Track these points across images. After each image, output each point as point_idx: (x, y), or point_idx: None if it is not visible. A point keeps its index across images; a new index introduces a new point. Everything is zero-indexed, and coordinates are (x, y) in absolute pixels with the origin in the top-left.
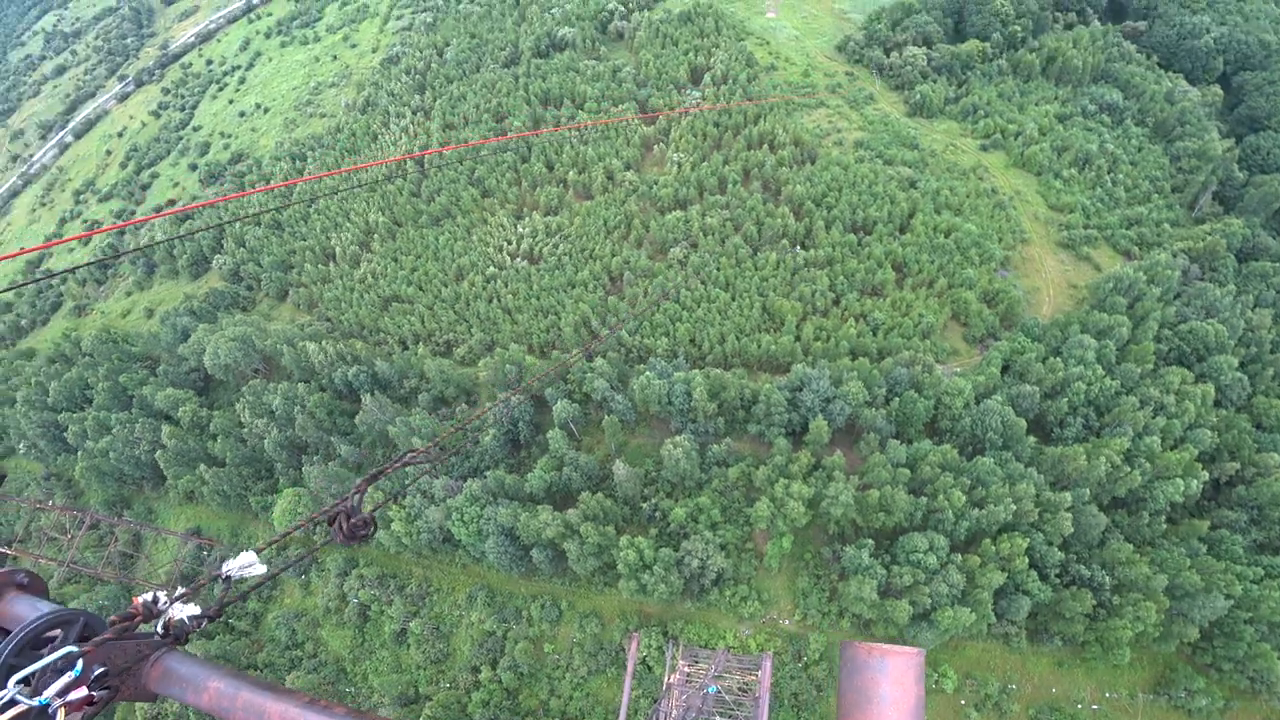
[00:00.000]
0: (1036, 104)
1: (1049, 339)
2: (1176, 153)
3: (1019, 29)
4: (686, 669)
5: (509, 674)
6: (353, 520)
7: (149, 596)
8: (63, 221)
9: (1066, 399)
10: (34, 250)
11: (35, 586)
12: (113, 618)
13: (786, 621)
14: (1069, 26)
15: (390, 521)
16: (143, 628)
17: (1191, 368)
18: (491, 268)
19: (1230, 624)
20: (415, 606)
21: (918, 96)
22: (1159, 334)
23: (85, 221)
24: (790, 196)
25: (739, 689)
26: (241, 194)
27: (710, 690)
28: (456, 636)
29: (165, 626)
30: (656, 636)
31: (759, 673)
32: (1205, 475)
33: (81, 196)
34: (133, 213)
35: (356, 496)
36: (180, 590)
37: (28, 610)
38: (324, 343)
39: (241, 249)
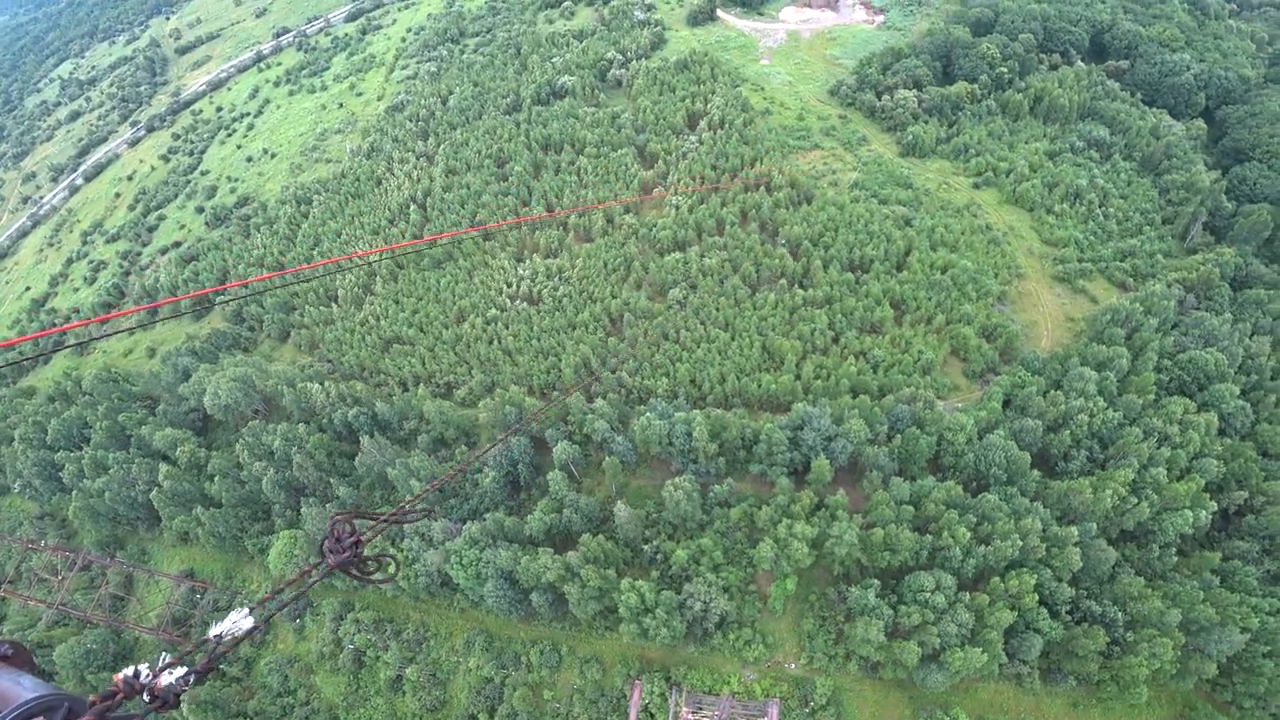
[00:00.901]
0: (1026, 142)
1: (1049, 372)
2: (1165, 185)
3: (1006, 70)
4: (690, 717)
5: None
6: (360, 563)
7: (130, 672)
8: (69, 262)
9: (1070, 432)
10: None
11: (18, 658)
12: (92, 699)
13: (792, 665)
14: (1054, 67)
15: (388, 565)
16: (126, 705)
17: (1193, 397)
18: (492, 309)
19: (1249, 658)
20: (412, 652)
21: (910, 137)
22: (1159, 364)
23: (91, 262)
24: (788, 237)
25: None
26: (274, 275)
27: None
28: (454, 683)
29: (152, 693)
30: (659, 683)
31: (765, 719)
32: (1214, 505)
33: (89, 237)
34: (139, 254)
35: (360, 536)
36: (165, 659)
37: (9, 686)
38: (325, 383)
39: (244, 290)
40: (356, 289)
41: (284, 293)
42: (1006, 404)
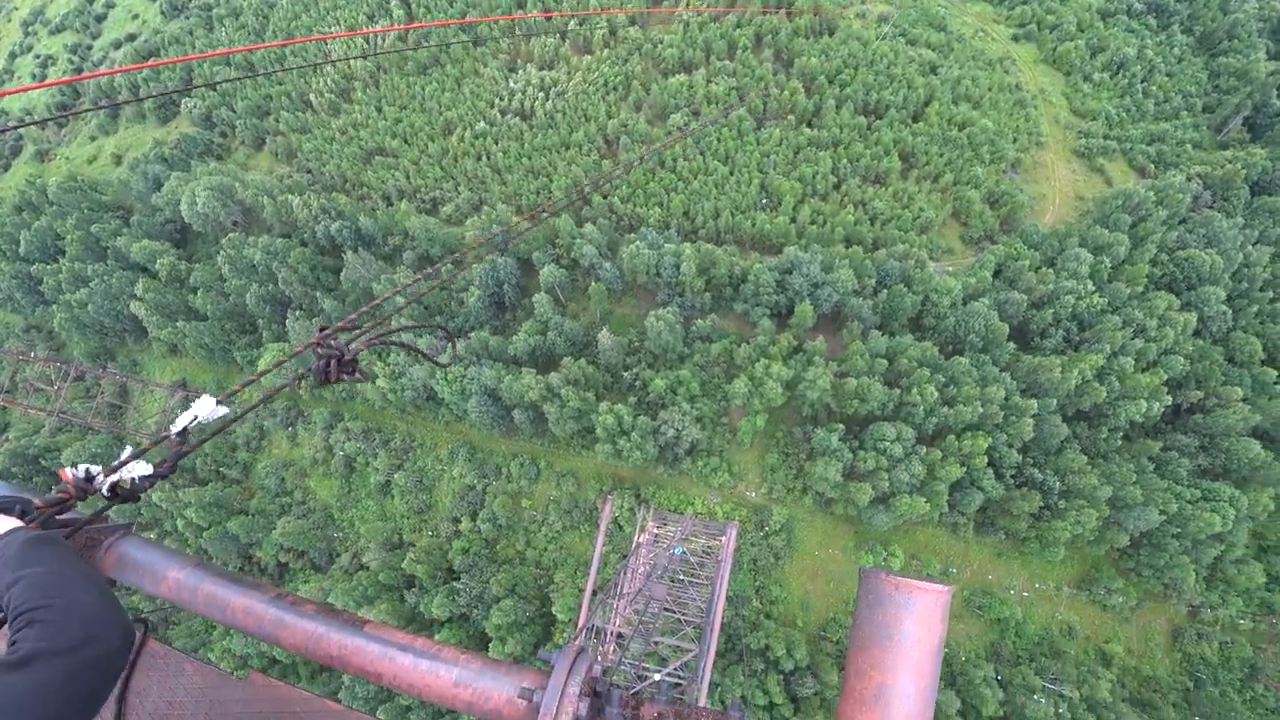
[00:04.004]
0: None
1: (1046, 248)
2: (1217, 69)
3: None
4: (655, 530)
5: (488, 525)
6: (343, 364)
7: (80, 472)
8: (13, 56)
9: (1052, 310)
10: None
11: None
12: (38, 502)
13: (753, 494)
14: None
15: (375, 378)
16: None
17: (1180, 295)
18: (481, 123)
19: (1158, 536)
20: (399, 460)
21: None
22: (1156, 257)
23: (38, 57)
24: (803, 70)
25: (703, 552)
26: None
27: (677, 551)
28: (438, 489)
29: (113, 489)
30: (629, 498)
31: (723, 538)
32: (1169, 400)
33: (30, 28)
34: (89, 47)
35: (350, 344)
36: (125, 454)
37: None
38: (306, 196)
39: (213, 92)
40: (332, 95)
41: (256, 95)
42: (997, 274)
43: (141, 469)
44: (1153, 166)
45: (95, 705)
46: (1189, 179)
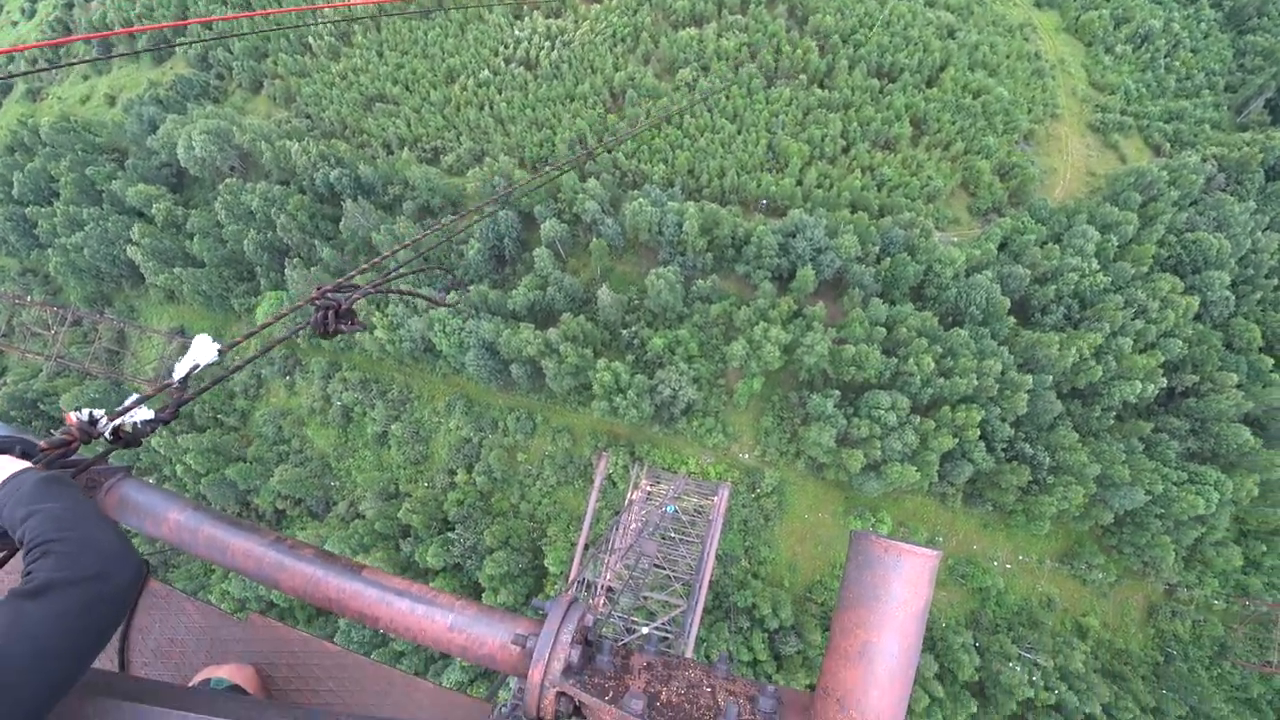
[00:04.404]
0: None
1: (1053, 224)
2: (1243, 47)
3: None
4: (649, 488)
5: (483, 478)
6: (340, 315)
7: (84, 415)
8: None
9: (1055, 287)
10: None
11: None
12: (41, 444)
13: (746, 456)
14: None
15: (373, 328)
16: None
17: (1185, 278)
18: (485, 71)
19: (1142, 516)
20: (396, 411)
21: None
22: (1163, 239)
23: None
24: (817, 28)
25: (695, 511)
26: None
27: (669, 509)
28: (435, 441)
29: (116, 433)
30: (623, 456)
31: (715, 498)
32: (1164, 382)
33: None
34: None
35: (349, 297)
36: (128, 401)
37: None
38: (305, 142)
39: (208, 31)
40: (331, 39)
41: (254, 36)
42: (1002, 247)
43: (144, 414)
44: (1168, 145)
45: (105, 638)
46: (1204, 160)
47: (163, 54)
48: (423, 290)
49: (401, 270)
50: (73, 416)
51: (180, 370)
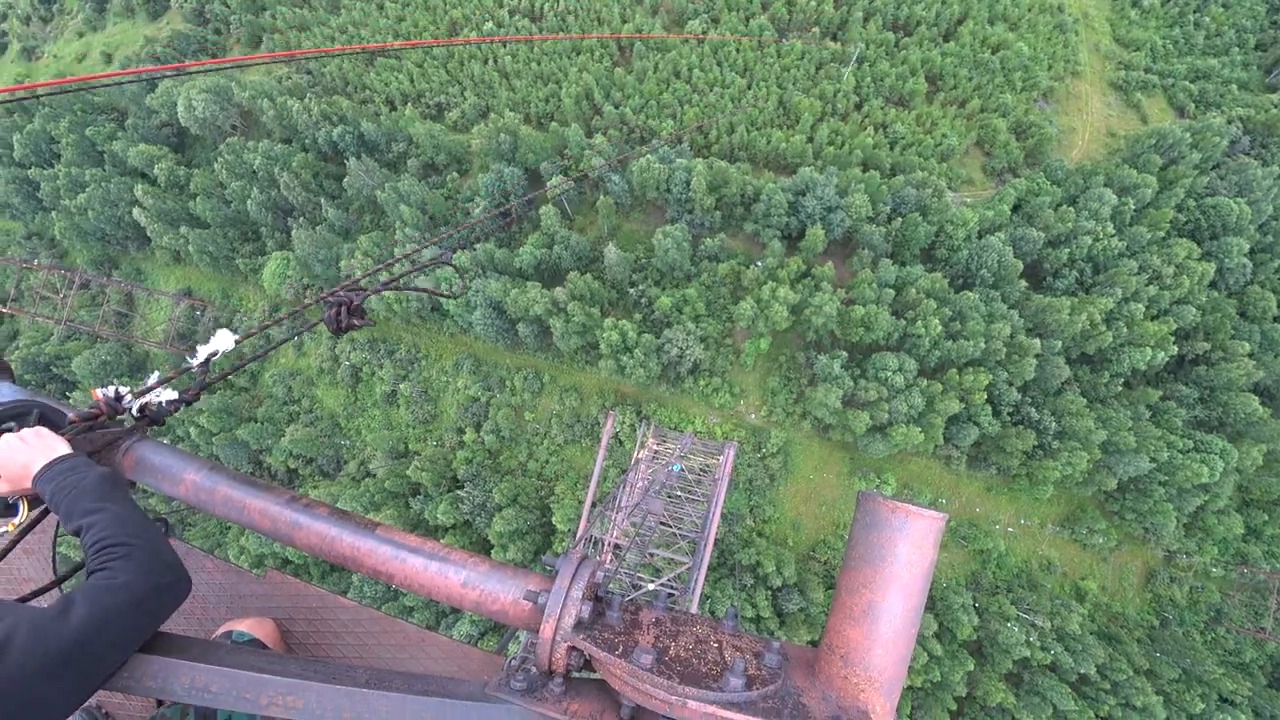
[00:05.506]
0: None
1: (1069, 185)
2: (1277, 2)
3: None
4: (655, 447)
5: (491, 436)
6: (352, 311)
7: (111, 392)
8: None
9: (1069, 250)
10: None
11: None
12: (72, 416)
13: (752, 416)
14: None
15: (375, 323)
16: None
17: (1202, 243)
18: (489, 23)
19: (1146, 483)
20: (405, 370)
21: None
22: (1182, 203)
23: None
24: None
25: (701, 470)
26: None
27: (675, 468)
28: (443, 400)
29: (142, 410)
30: (630, 415)
31: (721, 458)
32: (1175, 350)
33: None
34: None
35: (360, 294)
36: (151, 380)
37: None
38: (307, 99)
39: None
40: None
41: None
42: (1016, 209)
43: (168, 395)
44: (1193, 105)
45: (148, 636)
46: (1229, 121)
47: (158, 7)
48: (428, 281)
49: (410, 272)
50: (99, 393)
51: (202, 355)
